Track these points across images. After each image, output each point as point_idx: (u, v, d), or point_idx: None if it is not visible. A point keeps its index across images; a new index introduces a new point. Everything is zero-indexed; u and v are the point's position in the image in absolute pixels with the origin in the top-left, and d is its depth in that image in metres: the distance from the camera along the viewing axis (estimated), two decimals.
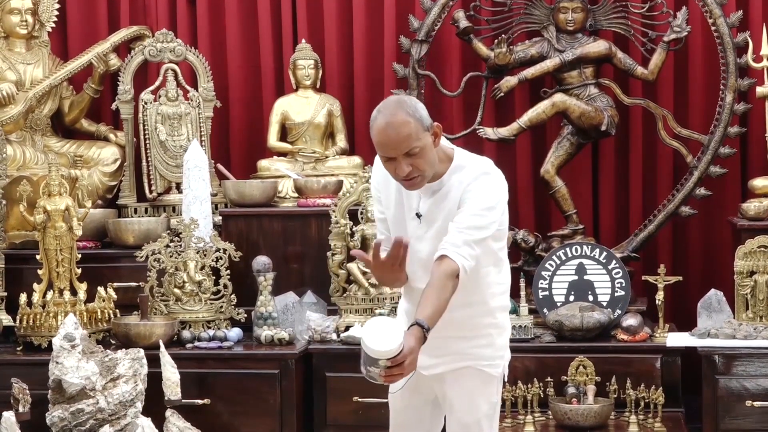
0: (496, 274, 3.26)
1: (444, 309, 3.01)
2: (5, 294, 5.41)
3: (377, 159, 3.24)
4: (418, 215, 3.19)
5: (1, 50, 6.25)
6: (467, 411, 3.27)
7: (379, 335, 2.86)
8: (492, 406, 3.31)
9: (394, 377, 2.90)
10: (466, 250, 3.03)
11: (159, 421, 4.79)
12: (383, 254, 3.03)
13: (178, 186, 6.00)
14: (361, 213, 5.38)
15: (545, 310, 5.23)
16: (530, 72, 5.68)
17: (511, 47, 5.69)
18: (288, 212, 5.70)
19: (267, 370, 5.04)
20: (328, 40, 6.27)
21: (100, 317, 5.27)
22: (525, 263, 5.61)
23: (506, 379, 3.40)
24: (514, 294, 5.20)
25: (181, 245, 5.36)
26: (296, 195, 5.81)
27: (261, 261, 5.32)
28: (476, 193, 3.10)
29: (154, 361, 4.85)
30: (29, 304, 5.21)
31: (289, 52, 6.28)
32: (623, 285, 5.25)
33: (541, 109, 5.63)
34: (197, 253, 5.35)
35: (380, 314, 2.94)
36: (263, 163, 6.09)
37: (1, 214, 5.51)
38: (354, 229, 5.38)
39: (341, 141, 6.19)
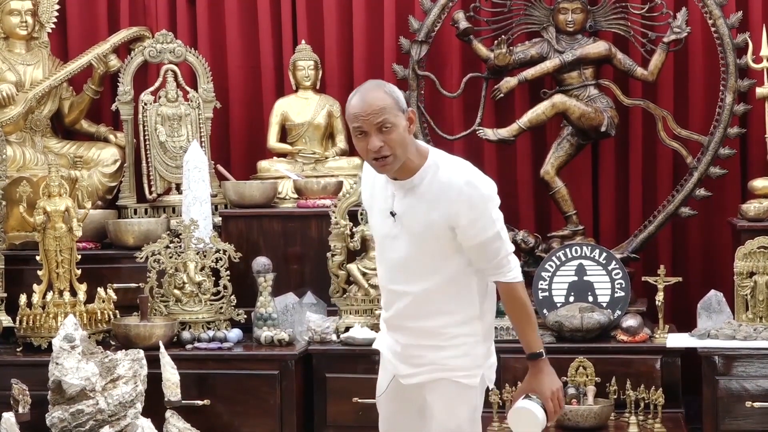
0: (475, 284, 3.23)
1: (534, 321, 3.23)
2: (5, 295, 5.41)
3: (363, 169, 3.28)
4: (393, 214, 3.17)
5: (0, 51, 6.25)
6: (448, 418, 3.23)
7: (523, 424, 3.14)
8: (473, 409, 3.26)
9: (558, 413, 3.22)
10: (504, 268, 3.19)
11: (159, 422, 4.79)
12: None
13: (178, 187, 6.00)
14: (361, 214, 5.37)
15: (545, 311, 5.23)
16: (530, 73, 5.68)
17: (510, 48, 5.69)
18: (288, 213, 5.70)
19: (267, 371, 5.04)
20: (327, 41, 6.27)
21: (100, 318, 5.27)
22: (525, 264, 5.59)
23: (492, 386, 3.36)
24: None
25: (181, 246, 5.36)
26: (296, 196, 5.81)
27: (261, 262, 5.32)
28: (472, 218, 3.10)
29: (154, 362, 4.86)
30: (29, 305, 5.21)
31: (288, 53, 6.28)
32: (623, 286, 5.25)
33: (540, 110, 5.63)
34: (197, 254, 5.35)
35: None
36: (263, 164, 6.09)
37: (1, 215, 5.51)
38: (354, 230, 5.38)
39: (341, 142, 6.19)
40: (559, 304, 5.25)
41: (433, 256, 3.14)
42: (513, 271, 3.19)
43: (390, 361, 3.33)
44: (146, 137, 6.08)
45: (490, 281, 3.22)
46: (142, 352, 4.87)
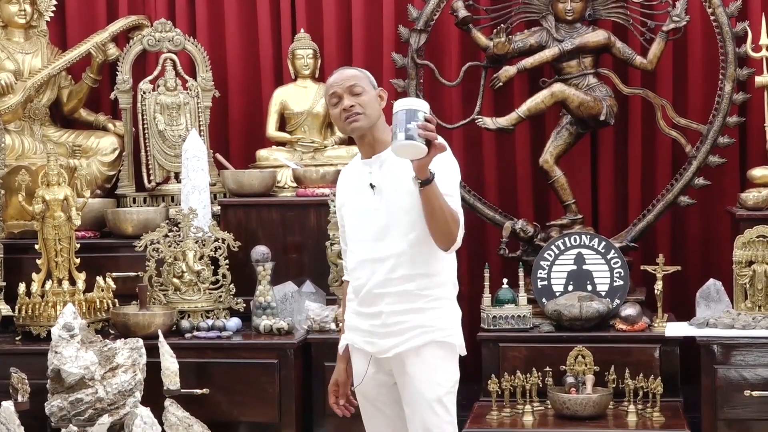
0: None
1: (442, 199, 3.22)
2: (4, 284, 5.41)
3: (339, 178, 3.58)
4: (372, 186, 3.40)
5: None
6: (429, 388, 3.35)
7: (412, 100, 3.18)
8: (453, 384, 3.42)
9: (429, 132, 3.10)
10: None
11: (158, 410, 4.79)
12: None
13: (177, 176, 6.00)
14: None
15: (544, 300, 5.24)
16: (529, 62, 5.67)
17: (510, 37, 5.68)
18: (287, 202, 5.70)
19: (266, 360, 5.05)
20: (326, 30, 6.26)
21: (99, 307, 5.28)
22: (524, 253, 5.60)
23: (464, 353, 3.48)
24: (513, 284, 5.24)
25: (179, 235, 5.36)
26: (295, 185, 5.81)
27: (260, 251, 5.32)
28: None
29: (152, 351, 4.86)
30: (28, 293, 5.22)
31: (287, 42, 6.27)
32: (622, 275, 5.25)
33: (539, 98, 5.62)
34: (196, 242, 5.35)
35: None
36: (262, 153, 6.09)
37: None
38: None
39: None
40: (558, 293, 5.25)
41: (409, 212, 3.32)
42: (460, 214, 3.33)
43: (368, 343, 3.44)
44: (145, 126, 6.08)
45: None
46: (141, 341, 4.87)
